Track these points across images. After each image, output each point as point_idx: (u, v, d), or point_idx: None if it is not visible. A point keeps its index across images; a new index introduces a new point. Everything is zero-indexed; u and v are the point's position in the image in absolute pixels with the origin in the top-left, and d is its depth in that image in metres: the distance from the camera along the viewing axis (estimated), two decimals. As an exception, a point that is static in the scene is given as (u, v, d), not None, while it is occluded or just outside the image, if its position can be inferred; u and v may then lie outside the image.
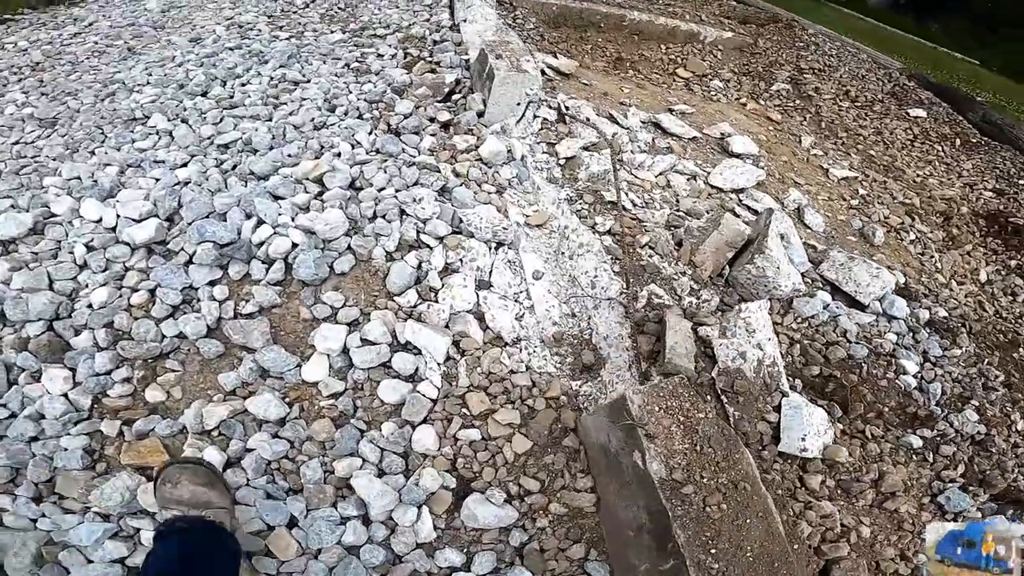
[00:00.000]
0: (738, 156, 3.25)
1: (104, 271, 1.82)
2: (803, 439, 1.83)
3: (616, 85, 3.79)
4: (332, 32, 3.96)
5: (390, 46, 3.66)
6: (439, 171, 2.31)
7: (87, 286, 1.77)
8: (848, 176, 3.74)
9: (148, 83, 3.21)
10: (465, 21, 3.66)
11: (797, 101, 4.67)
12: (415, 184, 2.23)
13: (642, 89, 3.90)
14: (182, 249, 1.86)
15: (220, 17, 4.35)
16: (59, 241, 1.94)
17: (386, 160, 2.36)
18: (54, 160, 2.59)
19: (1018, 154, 4.62)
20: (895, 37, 9.57)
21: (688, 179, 2.83)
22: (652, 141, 2.98)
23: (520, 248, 2.19)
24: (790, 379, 2.08)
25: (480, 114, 2.63)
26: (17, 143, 2.81)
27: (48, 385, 1.56)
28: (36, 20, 4.71)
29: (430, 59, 3.29)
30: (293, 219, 1.93)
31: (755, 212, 2.85)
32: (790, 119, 4.41)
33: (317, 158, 2.35)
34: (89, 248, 1.87)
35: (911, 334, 2.59)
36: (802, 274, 2.46)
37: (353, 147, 2.45)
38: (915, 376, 2.38)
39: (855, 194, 3.60)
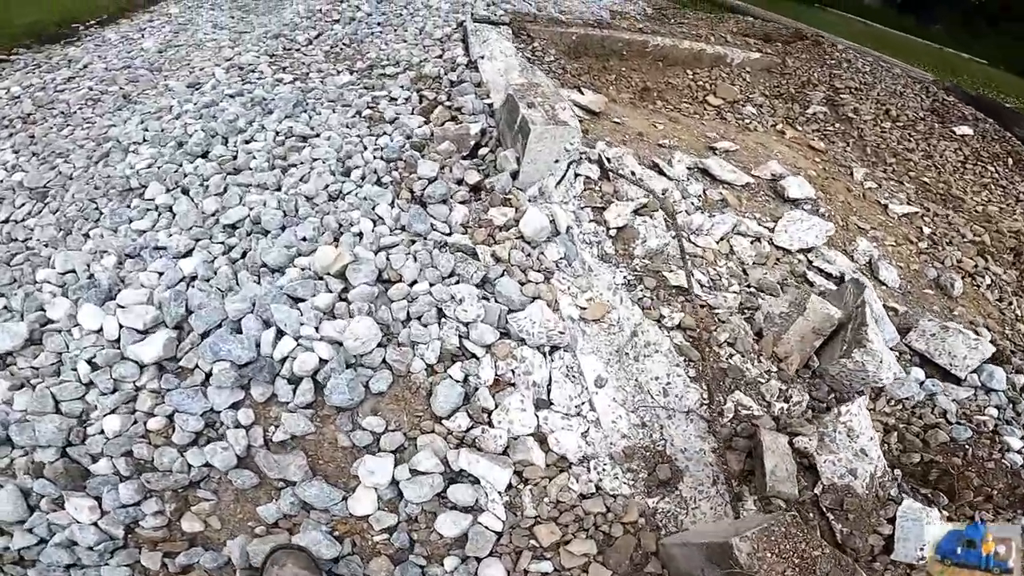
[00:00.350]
0: (795, 202, 2.95)
1: (113, 392, 1.62)
2: (921, 549, 1.58)
3: (648, 120, 3.50)
4: (339, 73, 3.69)
5: (403, 87, 3.38)
6: (477, 256, 2.01)
7: (96, 407, 1.61)
8: (909, 212, 3.43)
9: (144, 140, 2.94)
10: (483, 58, 3.38)
11: (837, 125, 4.37)
12: (451, 275, 1.94)
13: (675, 123, 3.60)
14: (196, 367, 1.66)
15: (219, 58, 4.08)
16: (59, 354, 1.74)
17: (414, 241, 2.07)
18: (46, 246, 2.31)
19: (1076, 172, 4.30)
20: (908, 44, 9.28)
21: (752, 241, 2.52)
22: (704, 194, 2.69)
23: (578, 350, 1.89)
24: (889, 470, 1.80)
25: (514, 175, 2.34)
26: (7, 221, 2.54)
27: (74, 514, 1.46)
28: (30, 61, 4.46)
29: (449, 103, 3.00)
30: (317, 329, 1.68)
31: (828, 275, 2.56)
32: (834, 146, 4.11)
33: (335, 240, 2.08)
34: (93, 366, 1.67)
35: (1011, 405, 2.30)
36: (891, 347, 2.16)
37: (375, 224, 2.16)
38: (1021, 452, 2.11)
39: (921, 234, 3.29)
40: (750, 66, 4.63)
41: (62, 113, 3.50)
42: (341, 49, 4.17)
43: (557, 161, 2.36)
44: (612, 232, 2.31)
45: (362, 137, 2.79)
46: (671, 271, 2.24)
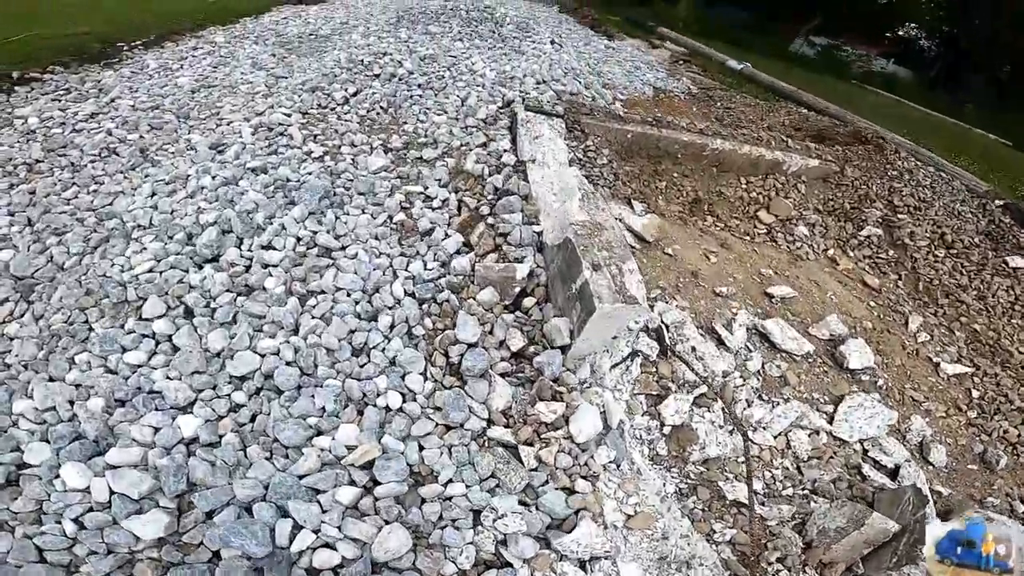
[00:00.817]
0: (854, 373, 2.68)
1: (108, 554, 1.46)
2: None
3: (700, 248, 3.23)
4: (372, 151, 3.41)
5: (440, 183, 3.11)
6: (520, 458, 1.76)
7: (87, 562, 1.45)
8: (959, 373, 3.18)
9: (151, 224, 2.65)
10: (533, 161, 3.11)
11: (891, 252, 4.11)
12: (490, 477, 1.71)
13: (728, 251, 3.34)
14: (202, 543, 1.49)
15: (250, 111, 3.80)
16: (40, 502, 1.56)
17: (449, 427, 1.81)
18: (25, 368, 2.03)
19: None
20: (944, 125, 9.12)
21: (810, 434, 2.26)
22: (763, 370, 2.41)
23: (619, 557, 1.66)
24: None
25: (564, 348, 2.06)
26: (-13, 322, 2.25)
27: None
28: (62, 83, 4.16)
29: (492, 221, 2.72)
30: (340, 528, 1.52)
31: (882, 466, 2.30)
32: (886, 278, 3.85)
33: (359, 414, 1.81)
34: (81, 525, 1.51)
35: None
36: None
37: (404, 398, 1.89)
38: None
39: (970, 399, 3.05)
40: (807, 175, 4.37)
41: (71, 165, 3.21)
42: (378, 114, 3.91)
43: (615, 337, 2.08)
44: (667, 430, 2.03)
45: (392, 258, 2.52)
46: (727, 480, 1.97)
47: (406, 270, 2.46)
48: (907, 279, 3.94)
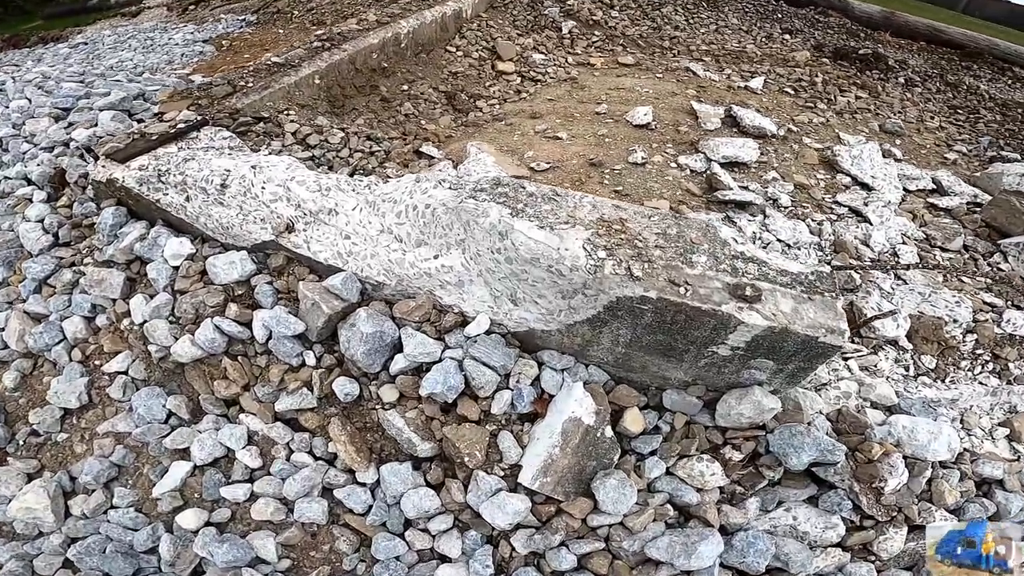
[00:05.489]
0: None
1: None
2: None
3: (531, 132, 2.41)
4: None
5: None
6: None
7: None
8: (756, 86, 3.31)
9: None
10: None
11: (596, 33, 3.98)
12: None
13: (538, 118, 2.61)
14: None
15: None
16: None
17: None
18: None
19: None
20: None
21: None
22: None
23: None
24: None
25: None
26: None
27: None
28: None
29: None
30: None
31: None
32: (624, 51, 3.73)
33: None
34: None
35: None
36: None
37: None
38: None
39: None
40: (476, 8, 3.77)
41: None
42: None
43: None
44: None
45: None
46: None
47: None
48: (627, 42, 3.90)
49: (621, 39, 3.90)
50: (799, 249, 2.13)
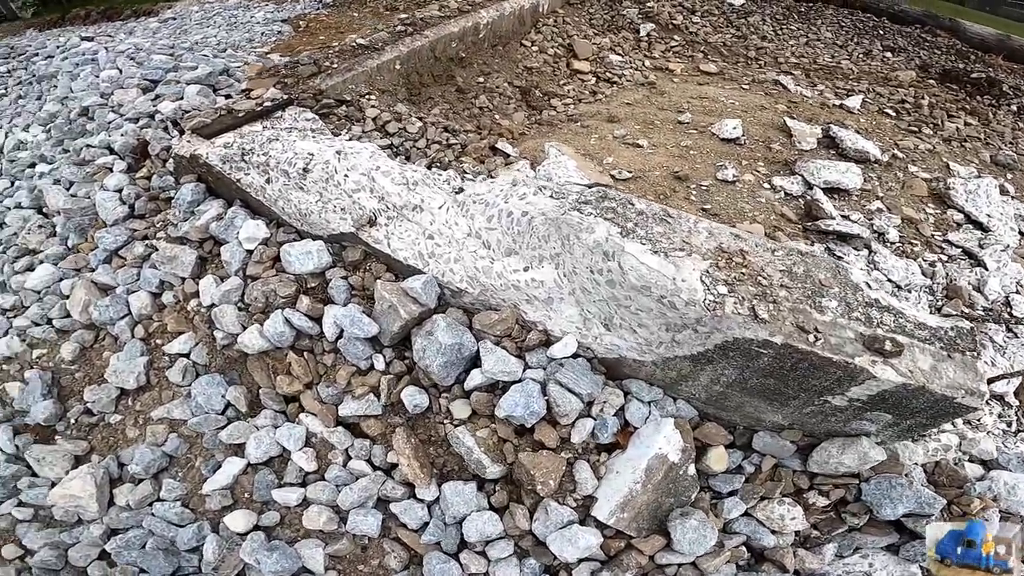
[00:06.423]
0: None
1: None
2: None
3: (601, 138, 2.28)
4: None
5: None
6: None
7: None
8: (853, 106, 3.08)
9: None
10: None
11: (675, 37, 3.79)
12: None
13: (615, 122, 2.47)
14: None
15: None
16: None
17: None
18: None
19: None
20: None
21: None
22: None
23: None
24: None
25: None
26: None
27: None
28: None
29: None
30: None
31: None
32: (705, 59, 3.54)
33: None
34: None
35: None
36: None
37: None
38: None
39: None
40: (551, 3, 3.63)
41: None
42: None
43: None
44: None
45: None
46: None
47: None
48: (708, 50, 3.70)
49: (702, 46, 3.70)
50: (909, 291, 1.93)
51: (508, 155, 2.20)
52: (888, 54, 3.54)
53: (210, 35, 3.68)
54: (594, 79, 3.19)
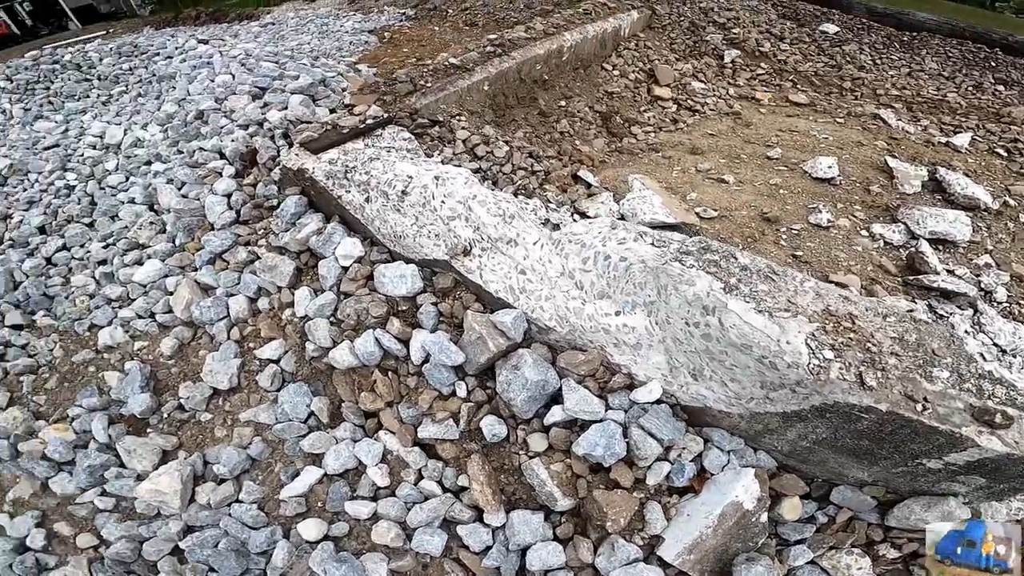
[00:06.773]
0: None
1: None
2: None
3: (694, 172, 2.23)
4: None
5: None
6: None
7: None
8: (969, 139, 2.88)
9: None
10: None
11: (762, 64, 3.67)
12: None
13: (699, 155, 2.41)
14: None
15: None
16: None
17: None
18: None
19: None
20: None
21: None
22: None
23: None
24: None
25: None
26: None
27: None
28: None
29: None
30: None
31: None
32: (794, 88, 3.41)
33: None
34: None
35: None
36: None
37: None
38: None
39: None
40: (634, 28, 3.60)
41: None
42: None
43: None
44: None
45: None
46: None
47: None
48: (798, 79, 3.55)
49: (791, 75, 3.56)
50: (1014, 356, 1.78)
51: (590, 184, 2.20)
52: (1000, 87, 3.28)
53: (304, 42, 3.89)
54: (675, 106, 3.14)
